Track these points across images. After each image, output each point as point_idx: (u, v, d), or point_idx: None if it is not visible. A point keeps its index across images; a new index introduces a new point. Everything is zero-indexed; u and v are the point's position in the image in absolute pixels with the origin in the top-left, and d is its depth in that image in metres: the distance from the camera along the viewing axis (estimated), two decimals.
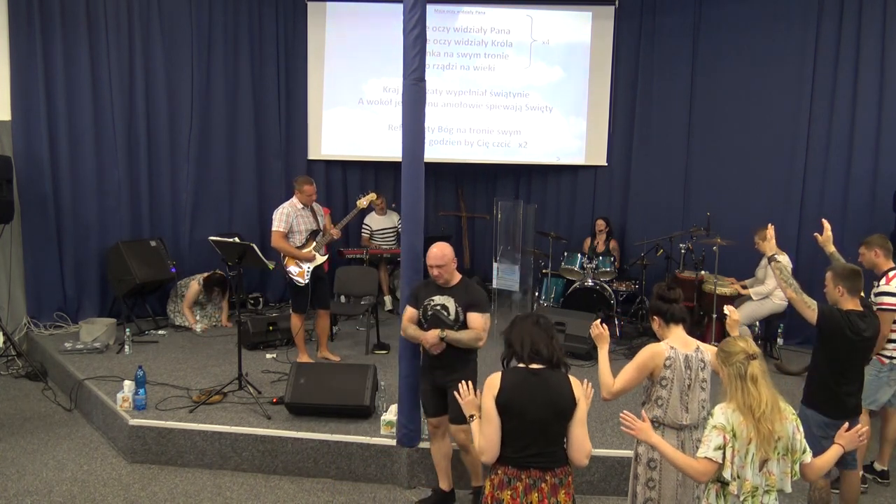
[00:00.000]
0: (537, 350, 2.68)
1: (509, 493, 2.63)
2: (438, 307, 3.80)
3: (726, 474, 2.55)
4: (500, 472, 2.67)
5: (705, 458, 2.56)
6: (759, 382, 2.57)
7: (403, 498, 4.26)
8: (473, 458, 3.92)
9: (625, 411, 2.86)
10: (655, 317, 3.19)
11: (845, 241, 6.00)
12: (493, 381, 2.66)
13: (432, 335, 3.74)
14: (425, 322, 3.82)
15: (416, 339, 3.85)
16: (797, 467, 2.64)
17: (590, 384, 2.79)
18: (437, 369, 3.85)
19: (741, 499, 2.58)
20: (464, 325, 3.77)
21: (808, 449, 2.66)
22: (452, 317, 3.78)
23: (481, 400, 2.70)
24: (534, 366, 2.68)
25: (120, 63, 7.05)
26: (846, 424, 2.86)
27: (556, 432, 2.65)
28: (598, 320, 3.41)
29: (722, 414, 2.60)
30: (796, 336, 6.87)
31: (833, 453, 2.74)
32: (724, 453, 2.55)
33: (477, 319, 3.77)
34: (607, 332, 3.32)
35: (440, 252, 3.78)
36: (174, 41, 7.39)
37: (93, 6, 6.86)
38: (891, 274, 4.15)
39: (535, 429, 2.61)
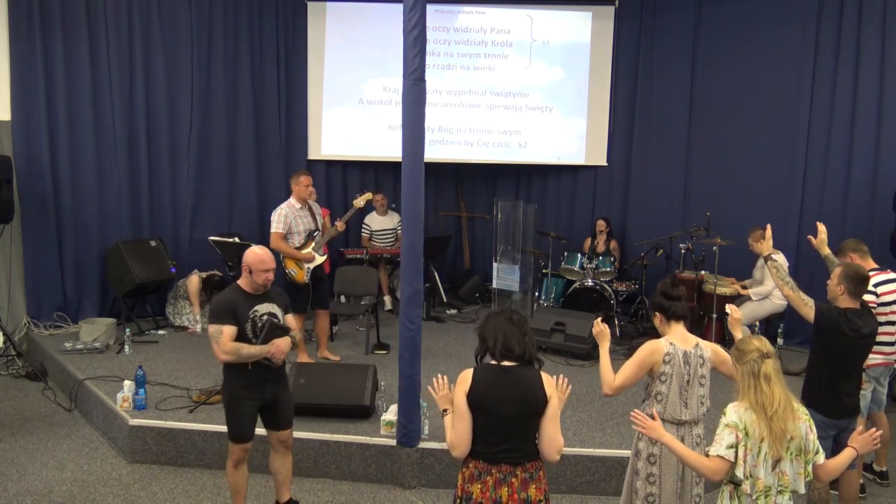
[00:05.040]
0: (509, 347, 2.69)
1: (479, 486, 2.65)
2: (269, 315, 3.58)
3: (738, 473, 2.56)
4: (471, 465, 2.69)
5: (717, 456, 2.57)
6: (772, 381, 2.58)
7: (403, 498, 4.26)
8: (289, 466, 3.85)
9: (635, 410, 2.90)
10: (657, 313, 3.24)
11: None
12: (466, 377, 2.69)
13: (286, 343, 3.57)
14: (258, 335, 3.52)
15: (260, 354, 3.50)
16: (810, 468, 2.64)
17: (566, 380, 2.82)
18: (268, 382, 3.60)
19: (754, 498, 2.58)
20: None
21: (820, 450, 2.66)
22: (284, 322, 3.65)
23: (454, 395, 2.71)
24: (506, 363, 2.70)
25: (120, 63, 7.04)
26: (860, 427, 2.86)
27: (527, 429, 2.67)
28: (599, 318, 3.46)
29: (734, 412, 2.60)
30: (796, 336, 6.86)
31: (846, 456, 2.72)
32: (736, 452, 2.56)
33: (296, 320, 3.88)
34: (608, 330, 3.37)
35: (270, 255, 3.59)
36: (174, 41, 7.38)
37: (93, 6, 6.86)
38: (871, 273, 4.14)
39: (505, 425, 2.64)
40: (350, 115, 8.40)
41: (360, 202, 6.09)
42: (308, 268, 5.68)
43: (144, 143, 7.28)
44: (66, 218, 6.88)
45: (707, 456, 2.64)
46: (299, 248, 5.65)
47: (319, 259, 5.75)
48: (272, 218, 5.65)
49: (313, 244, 5.71)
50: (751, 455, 2.56)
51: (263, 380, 3.59)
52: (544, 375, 2.72)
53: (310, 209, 5.80)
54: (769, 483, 2.58)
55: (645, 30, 8.02)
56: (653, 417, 2.84)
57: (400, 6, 4.14)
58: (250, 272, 3.54)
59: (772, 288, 6.14)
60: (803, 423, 2.63)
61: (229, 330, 3.46)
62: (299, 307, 5.73)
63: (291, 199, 5.71)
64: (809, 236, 4.35)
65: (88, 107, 6.89)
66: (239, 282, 3.63)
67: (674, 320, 3.20)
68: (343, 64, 8.33)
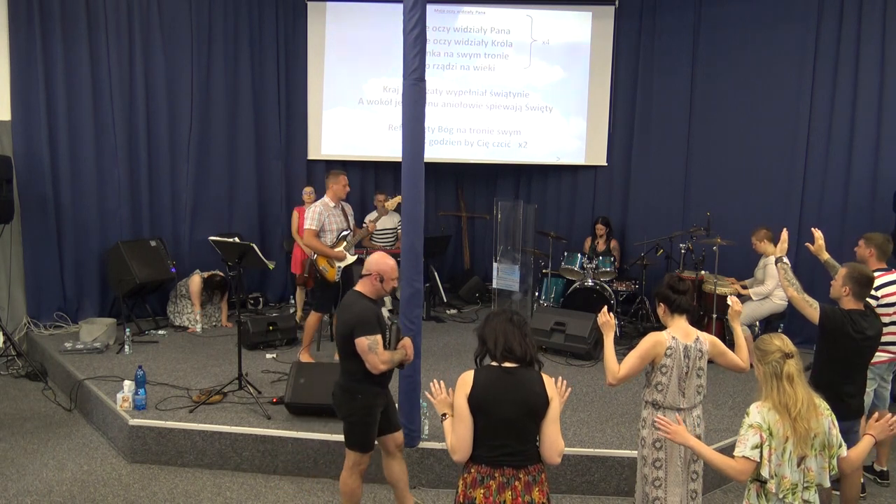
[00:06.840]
0: (510, 348, 2.66)
1: (482, 491, 2.61)
2: (388, 318, 3.74)
3: (764, 473, 2.57)
4: (472, 470, 2.65)
5: (743, 457, 2.58)
6: (794, 381, 2.59)
7: None
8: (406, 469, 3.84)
9: (658, 415, 2.93)
10: (662, 304, 3.32)
11: (845, 241, 5.99)
12: (466, 380, 2.65)
13: (410, 343, 3.69)
14: (391, 341, 3.61)
15: (402, 358, 3.60)
16: (834, 462, 2.65)
17: (565, 382, 2.82)
18: (388, 384, 3.67)
19: (780, 496, 2.59)
20: None
21: (843, 443, 2.68)
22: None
23: (453, 398, 2.68)
24: (507, 364, 2.67)
25: (120, 63, 7.04)
26: (876, 414, 2.87)
27: (529, 431, 2.64)
28: (605, 308, 3.51)
29: (758, 413, 2.61)
30: (797, 336, 6.79)
31: (866, 444, 2.73)
32: (761, 452, 2.56)
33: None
34: (613, 321, 3.43)
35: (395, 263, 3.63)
36: (174, 41, 7.39)
37: (93, 6, 6.85)
38: (875, 274, 4.14)
39: (507, 428, 2.61)
40: (350, 115, 8.40)
41: (391, 204, 6.14)
42: (339, 266, 5.71)
43: (144, 144, 7.28)
44: (66, 218, 6.87)
45: (733, 456, 2.65)
46: (331, 247, 5.69)
47: (350, 259, 5.79)
48: (306, 215, 5.74)
49: (345, 244, 5.75)
50: (776, 455, 2.57)
51: (387, 383, 3.63)
52: (545, 377, 2.70)
53: (342, 209, 5.86)
54: (795, 480, 2.59)
55: (645, 30, 8.02)
56: (677, 422, 2.88)
57: (400, 6, 4.14)
58: (381, 280, 3.52)
59: (772, 288, 6.13)
60: (826, 418, 2.64)
61: (381, 339, 3.44)
62: (326, 305, 5.76)
63: (326, 198, 5.77)
64: (808, 244, 4.34)
65: (88, 107, 6.89)
66: (360, 289, 3.57)
67: (677, 313, 3.28)
68: (343, 64, 8.33)
